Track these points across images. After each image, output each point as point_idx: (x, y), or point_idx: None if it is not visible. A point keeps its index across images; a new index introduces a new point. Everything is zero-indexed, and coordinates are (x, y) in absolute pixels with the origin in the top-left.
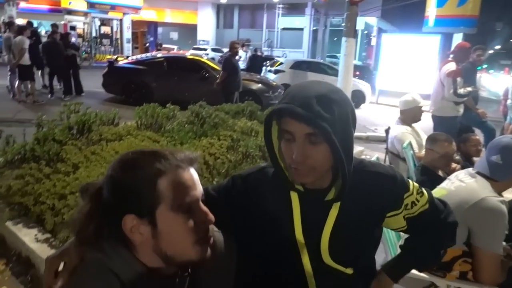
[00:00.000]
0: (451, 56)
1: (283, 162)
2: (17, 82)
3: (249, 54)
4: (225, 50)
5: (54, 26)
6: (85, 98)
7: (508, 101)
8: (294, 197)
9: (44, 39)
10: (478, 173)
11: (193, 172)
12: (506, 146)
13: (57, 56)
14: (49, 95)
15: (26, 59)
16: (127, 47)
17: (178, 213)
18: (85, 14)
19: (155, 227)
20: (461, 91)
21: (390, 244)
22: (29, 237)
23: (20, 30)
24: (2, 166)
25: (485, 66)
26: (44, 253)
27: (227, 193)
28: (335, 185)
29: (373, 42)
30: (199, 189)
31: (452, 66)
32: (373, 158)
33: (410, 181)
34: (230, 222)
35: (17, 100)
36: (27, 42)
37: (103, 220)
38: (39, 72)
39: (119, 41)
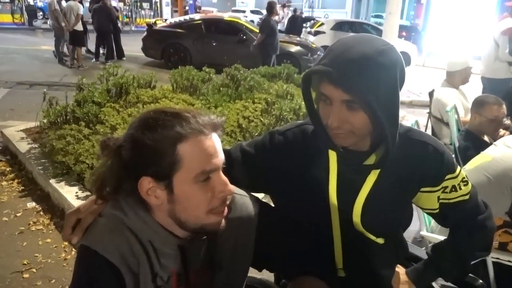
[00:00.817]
0: (506, 11)
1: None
2: (65, 47)
3: (289, 15)
4: (265, 12)
5: None
6: (126, 62)
7: None
8: (333, 157)
9: (85, 3)
10: None
11: (215, 139)
12: None
13: (107, 20)
14: (94, 59)
15: (79, 24)
16: (167, 10)
17: (196, 181)
18: None
19: (171, 193)
20: None
21: (424, 214)
22: (70, 194)
23: None
24: (46, 127)
25: None
26: None
27: (264, 148)
28: (376, 151)
29: None
30: (220, 157)
31: (508, 22)
32: (411, 122)
33: (459, 167)
34: (263, 180)
35: (69, 65)
36: (81, 8)
37: (122, 179)
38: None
39: (158, 5)
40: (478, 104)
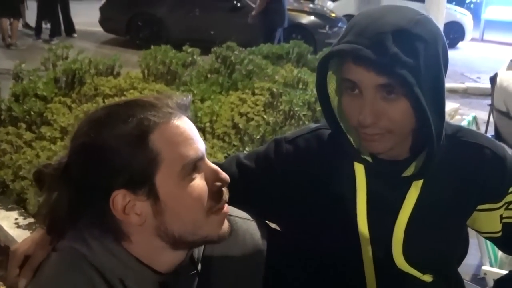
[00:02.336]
0: None
1: (344, 123)
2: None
3: None
4: None
5: None
6: (78, 40)
7: None
8: (360, 170)
9: None
10: None
11: (189, 121)
12: None
13: None
14: (35, 37)
15: None
16: None
17: (183, 176)
18: None
19: (156, 200)
20: None
21: (487, 241)
22: (7, 222)
23: None
24: None
25: None
26: None
27: (267, 161)
28: (418, 157)
29: None
30: (201, 142)
31: None
32: (468, 119)
33: None
34: (269, 203)
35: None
36: None
37: (80, 208)
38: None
39: None
40: None
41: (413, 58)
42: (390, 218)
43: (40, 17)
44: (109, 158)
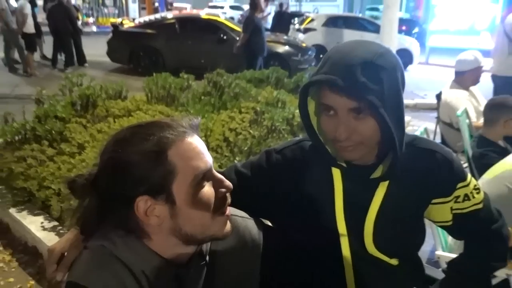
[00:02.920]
0: None
1: (322, 136)
2: (16, 53)
3: (272, 10)
4: (246, 7)
5: None
6: (89, 69)
7: None
8: (337, 174)
9: (39, 2)
10: None
11: (199, 139)
12: None
13: (65, 21)
14: (53, 66)
15: (29, 26)
16: (133, 7)
17: (195, 183)
18: None
19: (173, 205)
20: None
21: (439, 230)
22: (35, 225)
23: None
24: (2, 147)
25: None
26: (52, 243)
27: (260, 169)
28: (383, 161)
29: None
30: (209, 156)
31: None
32: (420, 130)
33: (469, 174)
34: (263, 204)
35: (29, 74)
36: (28, 6)
37: (106, 214)
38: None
39: (123, 2)
40: (507, 109)
41: (378, 85)
42: (362, 213)
43: (56, 50)
44: (133, 171)
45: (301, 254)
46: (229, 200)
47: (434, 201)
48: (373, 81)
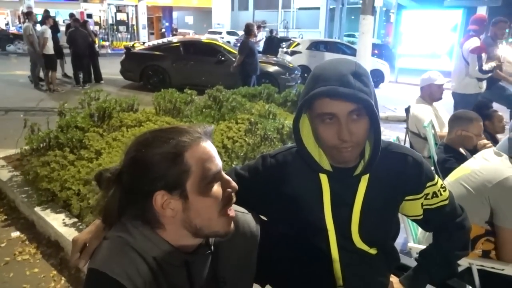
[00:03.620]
0: (471, 31)
1: (320, 145)
2: (41, 72)
3: (264, 36)
4: (241, 33)
5: (73, 16)
6: (104, 85)
7: None
8: (324, 177)
9: (61, 28)
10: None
11: (211, 144)
12: None
13: (83, 44)
14: (76, 84)
15: (49, 48)
16: (143, 33)
17: (206, 183)
18: (101, 1)
19: (186, 200)
20: (485, 67)
21: (411, 224)
22: (57, 222)
23: (43, 19)
24: (29, 153)
25: (510, 40)
26: (72, 237)
27: (257, 172)
28: (362, 159)
29: (392, 18)
30: (219, 160)
31: (475, 42)
32: (393, 138)
33: (436, 175)
34: (259, 202)
35: (47, 89)
36: (49, 32)
37: (127, 205)
38: (58, 61)
39: (135, 28)
40: (464, 121)
41: (367, 87)
42: (348, 210)
43: (75, 69)
44: (153, 169)
45: (293, 246)
46: (234, 199)
47: (407, 198)
48: (364, 85)
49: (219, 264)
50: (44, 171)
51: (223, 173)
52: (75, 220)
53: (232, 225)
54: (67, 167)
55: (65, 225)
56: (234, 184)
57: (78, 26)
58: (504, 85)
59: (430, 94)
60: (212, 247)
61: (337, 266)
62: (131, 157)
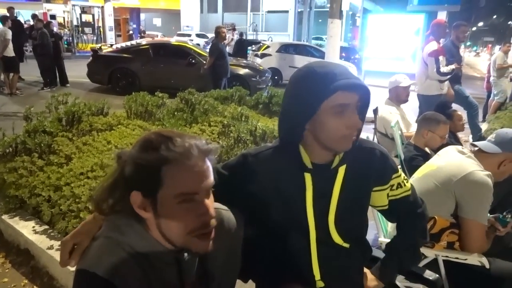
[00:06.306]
0: (431, 35)
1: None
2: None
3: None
4: (210, 35)
5: (36, 16)
6: (71, 88)
7: (491, 78)
8: (308, 176)
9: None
10: (473, 148)
11: (201, 164)
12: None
13: (47, 46)
14: (45, 87)
15: (10, 50)
16: (110, 35)
17: (177, 201)
18: (65, 1)
19: (156, 209)
20: (444, 69)
21: (381, 220)
22: (27, 229)
23: (2, 20)
24: None
25: (468, 43)
26: (43, 244)
27: (238, 170)
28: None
29: (358, 22)
30: (206, 182)
31: (433, 45)
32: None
33: (400, 168)
34: (240, 199)
35: (8, 93)
36: (9, 33)
37: (121, 192)
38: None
39: (101, 29)
40: (432, 122)
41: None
42: (327, 200)
43: (43, 72)
44: (138, 170)
45: (274, 241)
46: (210, 231)
47: (374, 188)
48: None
49: (207, 261)
50: (11, 178)
51: (205, 199)
52: (46, 227)
53: (209, 245)
54: (36, 173)
55: (36, 232)
56: (211, 212)
57: (42, 27)
58: (462, 87)
59: (397, 96)
60: None
61: (315, 260)
62: (131, 152)
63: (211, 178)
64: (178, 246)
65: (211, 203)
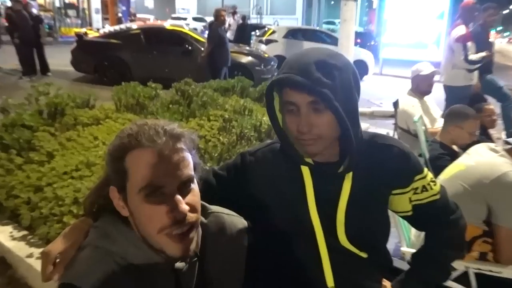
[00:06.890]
0: (459, 19)
1: (290, 136)
2: None
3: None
4: (208, 19)
5: None
6: (52, 78)
7: None
8: (306, 171)
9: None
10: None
11: (169, 152)
12: None
13: (27, 30)
14: (23, 75)
15: None
16: (96, 18)
17: (144, 195)
18: None
19: (126, 204)
20: (472, 57)
21: (404, 227)
22: (3, 235)
23: None
24: None
25: (499, 28)
26: (22, 252)
27: (236, 170)
28: (346, 159)
29: (375, 4)
30: (176, 174)
31: (461, 30)
32: None
33: (426, 168)
34: (240, 202)
35: None
36: None
37: (105, 190)
38: None
39: (86, 12)
40: (460, 117)
41: (331, 80)
42: (333, 207)
43: (22, 59)
44: (109, 161)
45: (279, 245)
46: (185, 232)
47: (393, 192)
48: (326, 76)
49: (206, 268)
50: None
51: (176, 195)
52: (25, 232)
53: (184, 247)
54: (14, 172)
55: (13, 238)
56: (182, 208)
57: (21, 8)
58: (494, 77)
59: (417, 86)
60: (198, 253)
61: (326, 266)
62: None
63: (186, 171)
64: (155, 248)
65: (191, 200)
